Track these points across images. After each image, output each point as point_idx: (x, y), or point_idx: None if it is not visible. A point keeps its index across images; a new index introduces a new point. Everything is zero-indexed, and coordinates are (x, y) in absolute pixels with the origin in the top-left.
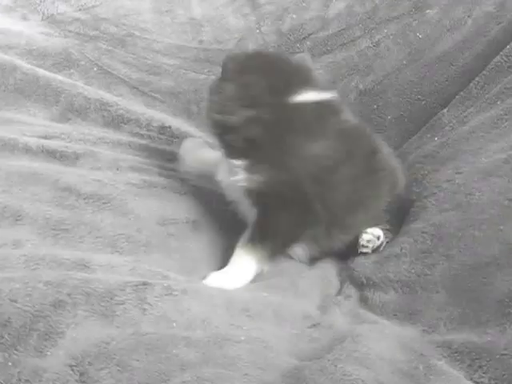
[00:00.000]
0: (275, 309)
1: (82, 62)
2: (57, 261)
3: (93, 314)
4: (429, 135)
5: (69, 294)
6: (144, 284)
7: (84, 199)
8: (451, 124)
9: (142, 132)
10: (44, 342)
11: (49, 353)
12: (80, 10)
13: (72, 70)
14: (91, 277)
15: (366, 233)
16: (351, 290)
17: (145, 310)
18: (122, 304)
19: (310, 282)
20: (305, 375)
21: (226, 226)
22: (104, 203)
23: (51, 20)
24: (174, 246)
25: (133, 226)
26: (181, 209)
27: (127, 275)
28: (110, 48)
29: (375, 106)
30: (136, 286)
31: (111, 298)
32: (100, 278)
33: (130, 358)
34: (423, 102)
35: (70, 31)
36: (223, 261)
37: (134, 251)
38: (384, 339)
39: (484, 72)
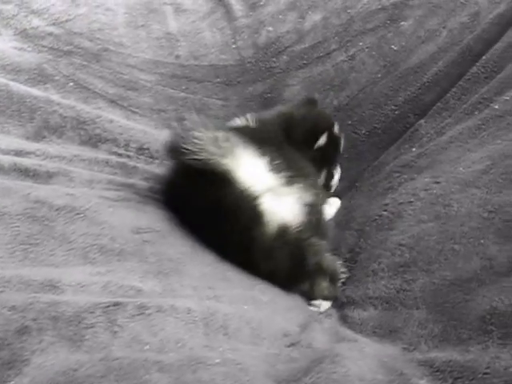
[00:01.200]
0: (254, 326)
1: (57, 77)
2: (24, 282)
3: (60, 339)
4: (406, 146)
5: (34, 319)
6: (115, 305)
7: (56, 210)
8: (429, 135)
9: (119, 151)
10: (7, 372)
11: (13, 382)
12: (53, 24)
13: (47, 85)
14: (59, 299)
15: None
16: (332, 310)
17: (115, 332)
18: (91, 327)
19: (292, 299)
20: None
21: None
22: (76, 214)
23: (24, 35)
24: (150, 252)
25: (106, 236)
26: (157, 220)
27: (98, 294)
28: (84, 63)
29: (349, 122)
30: (107, 307)
31: (80, 322)
32: (68, 300)
33: None
34: (397, 112)
35: (43, 46)
36: (205, 260)
37: (108, 261)
38: (363, 358)
39: (461, 82)
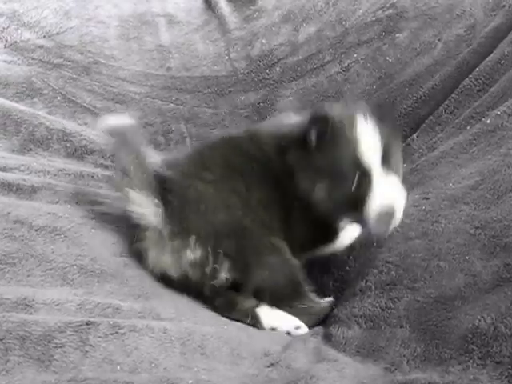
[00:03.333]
0: (234, 346)
1: (46, 91)
2: None
3: (27, 359)
4: None
5: (1, 339)
6: (87, 324)
7: (36, 231)
8: (420, 150)
9: (105, 163)
10: None
11: None
12: (44, 36)
13: (35, 99)
14: (30, 318)
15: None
16: (319, 328)
17: (86, 352)
18: (60, 347)
19: None
20: None
21: None
22: (57, 235)
23: (14, 47)
24: (130, 275)
25: (86, 257)
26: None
27: (72, 313)
28: (74, 76)
29: None
30: (79, 326)
31: (49, 342)
32: (39, 319)
33: None
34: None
35: (33, 59)
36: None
37: (87, 282)
38: (341, 379)
39: (453, 95)
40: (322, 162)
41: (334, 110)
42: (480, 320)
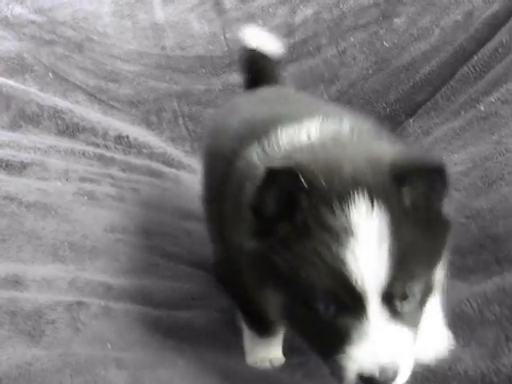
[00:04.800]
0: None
1: (37, 68)
2: None
3: (18, 333)
4: None
5: None
6: (78, 304)
7: (26, 207)
8: (416, 134)
9: (97, 141)
10: None
11: None
12: (36, 12)
13: (26, 76)
14: (20, 295)
15: None
16: None
17: (77, 329)
18: (52, 323)
19: None
20: None
21: (178, 240)
22: (47, 211)
23: (5, 22)
24: (122, 250)
25: (77, 233)
26: (131, 219)
27: (63, 291)
28: (66, 53)
29: None
30: (70, 305)
31: (40, 317)
32: (29, 296)
33: (52, 380)
34: (388, 110)
35: (24, 34)
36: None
37: (78, 259)
38: None
39: (451, 82)
40: (279, 255)
41: (310, 152)
42: None
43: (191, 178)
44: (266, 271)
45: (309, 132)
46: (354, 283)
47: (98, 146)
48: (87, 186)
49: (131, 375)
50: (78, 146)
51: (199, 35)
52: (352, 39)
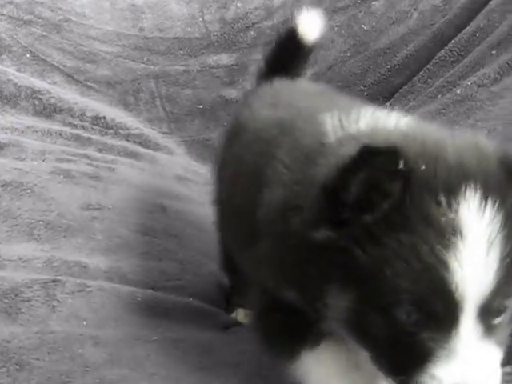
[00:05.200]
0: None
1: (15, 48)
2: None
3: None
4: None
5: None
6: (54, 281)
7: (2, 186)
8: None
9: (74, 122)
10: None
11: None
12: None
13: (3, 56)
14: None
15: None
16: None
17: (53, 307)
18: (28, 301)
19: None
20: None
21: (154, 217)
22: (23, 190)
23: None
24: (98, 228)
25: (53, 212)
26: (107, 197)
27: (39, 270)
28: (44, 33)
29: None
30: (45, 282)
31: (16, 295)
32: (5, 275)
33: (30, 357)
34: (366, 93)
35: (2, 14)
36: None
37: (53, 238)
38: None
39: (428, 66)
40: (360, 247)
41: (415, 138)
42: None
43: (168, 159)
44: (335, 265)
45: (384, 119)
46: (453, 290)
47: (75, 126)
48: (64, 166)
49: (108, 352)
50: (55, 126)
51: (177, 17)
52: (330, 22)
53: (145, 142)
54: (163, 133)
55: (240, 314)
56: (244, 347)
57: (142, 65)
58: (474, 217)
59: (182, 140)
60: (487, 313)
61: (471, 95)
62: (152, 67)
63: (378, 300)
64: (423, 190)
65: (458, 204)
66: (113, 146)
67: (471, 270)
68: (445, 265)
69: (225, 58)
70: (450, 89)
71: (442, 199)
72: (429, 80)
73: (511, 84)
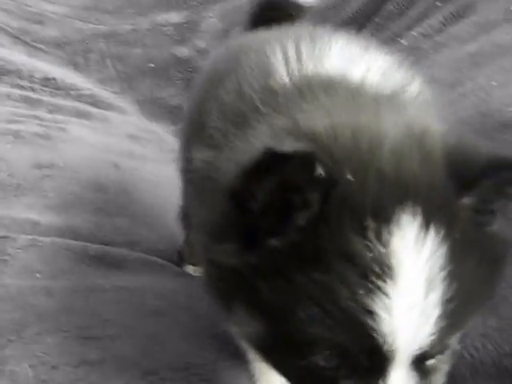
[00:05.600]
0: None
1: None
2: None
3: None
4: None
5: None
6: (4, 237)
7: None
8: None
9: (23, 84)
10: None
11: None
12: None
13: None
14: None
15: None
16: None
17: (5, 261)
18: None
19: None
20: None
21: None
22: None
23: None
24: (50, 186)
25: (3, 173)
26: (59, 156)
27: None
28: None
29: None
30: None
31: None
32: None
33: None
34: None
35: None
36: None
37: (4, 197)
38: None
39: (376, 19)
40: (264, 278)
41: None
42: None
43: (120, 118)
44: (237, 286)
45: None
46: (380, 343)
47: (23, 88)
48: (13, 127)
49: (61, 302)
50: (3, 88)
51: None
52: None
53: (96, 103)
54: (115, 93)
55: (189, 270)
56: (193, 292)
57: (91, 25)
58: (411, 251)
59: (134, 99)
60: (425, 357)
61: (417, 45)
62: (101, 27)
63: (290, 339)
64: (345, 211)
65: (390, 234)
66: (63, 106)
67: (404, 319)
68: (370, 313)
69: (174, 16)
70: (396, 40)
71: (370, 226)
72: (376, 33)
73: (455, 33)
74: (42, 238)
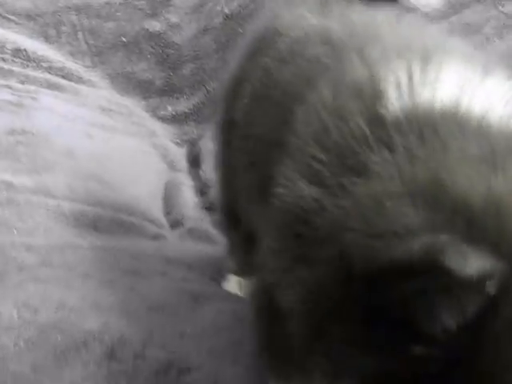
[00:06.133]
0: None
1: None
2: None
3: None
4: None
5: None
6: None
7: None
8: None
9: None
10: None
11: None
12: None
13: None
14: None
15: None
16: None
17: None
18: None
19: None
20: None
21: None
22: None
23: None
24: (23, 152)
25: None
26: (32, 123)
27: None
28: None
29: (241, 31)
30: None
31: None
32: None
33: None
34: None
35: None
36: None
37: None
38: None
39: None
40: None
41: None
42: None
43: (91, 91)
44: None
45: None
46: None
47: None
48: None
49: (40, 256)
50: None
51: None
52: None
53: (67, 75)
54: (86, 66)
55: (232, 283)
56: (170, 256)
57: None
58: None
59: (105, 73)
60: None
61: None
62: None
63: None
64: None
65: None
66: (35, 77)
67: None
68: None
69: None
70: None
71: None
72: None
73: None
74: (16, 197)
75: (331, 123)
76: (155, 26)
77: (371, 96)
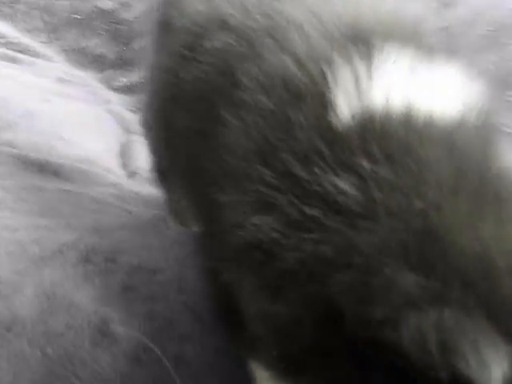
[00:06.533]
0: None
1: None
2: None
3: None
4: None
5: None
6: None
7: None
8: None
9: None
10: None
11: None
12: None
13: None
14: None
15: None
16: None
17: None
18: None
19: None
20: None
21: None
22: None
23: None
24: None
25: None
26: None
27: None
28: None
29: None
30: None
31: None
32: None
33: None
34: None
35: None
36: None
37: None
38: None
39: None
40: None
41: None
42: None
43: (48, 64)
44: None
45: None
46: None
47: None
48: None
49: (15, 195)
50: None
51: None
52: None
53: (24, 51)
54: (42, 42)
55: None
56: (131, 208)
57: None
58: None
59: (61, 49)
60: None
61: None
62: None
63: None
64: None
65: None
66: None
67: None
68: None
69: None
70: None
71: None
72: None
73: None
74: None
75: (275, 138)
76: (107, 3)
77: (316, 102)
